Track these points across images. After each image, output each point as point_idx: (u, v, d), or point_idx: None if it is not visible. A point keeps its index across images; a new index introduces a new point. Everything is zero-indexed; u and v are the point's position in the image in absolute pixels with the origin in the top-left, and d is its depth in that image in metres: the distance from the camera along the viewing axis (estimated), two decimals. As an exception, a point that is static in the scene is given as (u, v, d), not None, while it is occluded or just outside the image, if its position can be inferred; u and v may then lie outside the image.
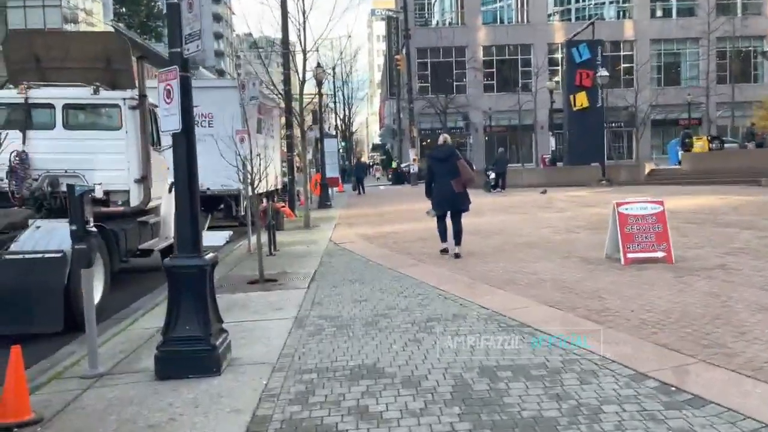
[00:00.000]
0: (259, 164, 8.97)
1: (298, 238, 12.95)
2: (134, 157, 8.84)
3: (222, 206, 14.76)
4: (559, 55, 55.46)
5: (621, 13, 55.44)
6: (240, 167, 9.20)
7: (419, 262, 9.02)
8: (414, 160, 36.40)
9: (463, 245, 9.50)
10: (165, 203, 10.03)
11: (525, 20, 55.29)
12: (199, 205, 4.98)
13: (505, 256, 9.21)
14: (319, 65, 20.16)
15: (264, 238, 9.77)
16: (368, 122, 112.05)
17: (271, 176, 15.30)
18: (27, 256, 6.42)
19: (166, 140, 10.06)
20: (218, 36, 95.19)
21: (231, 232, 14.08)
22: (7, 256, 6.44)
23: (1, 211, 7.33)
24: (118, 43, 9.80)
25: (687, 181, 22.07)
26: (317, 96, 20.90)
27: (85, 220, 4.91)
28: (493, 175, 24.84)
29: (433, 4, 55.48)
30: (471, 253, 9.54)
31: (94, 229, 5.40)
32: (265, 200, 13.07)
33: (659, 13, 55.63)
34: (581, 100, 27.64)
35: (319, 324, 5.79)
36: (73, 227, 4.88)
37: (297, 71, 14.74)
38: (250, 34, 68.66)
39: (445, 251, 9.47)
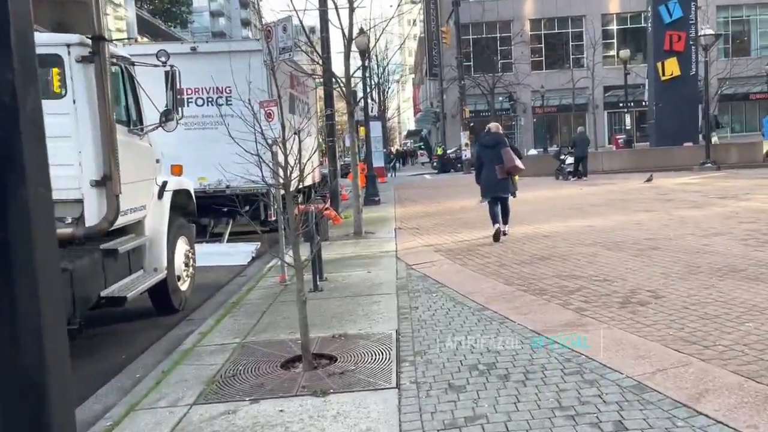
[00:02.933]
0: (294, 150, 5.35)
1: (350, 253, 9.31)
2: (89, 145, 5.33)
3: (247, 208, 11.17)
4: (614, 27, 50.97)
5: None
6: (267, 158, 5.62)
7: (580, 314, 5.22)
8: (466, 144, 32.42)
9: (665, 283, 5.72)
10: (152, 216, 6.49)
11: (575, -11, 50.43)
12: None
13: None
14: (362, 30, 16.39)
15: (304, 253, 6.11)
16: (400, 109, 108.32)
17: (309, 168, 11.64)
18: None
19: (152, 116, 6.55)
20: (246, 23, 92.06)
21: (258, 244, 10.59)
22: None
23: None
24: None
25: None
26: (360, 69, 17.18)
27: None
28: (569, 160, 20.81)
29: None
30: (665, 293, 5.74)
31: None
32: (302, 199, 9.48)
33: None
34: (671, 67, 23.33)
35: None
36: None
37: (342, 28, 11.03)
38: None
39: (497, 236, 9.24)
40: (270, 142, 6.31)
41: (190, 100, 11.56)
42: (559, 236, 9.29)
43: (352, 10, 11.07)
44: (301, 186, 5.80)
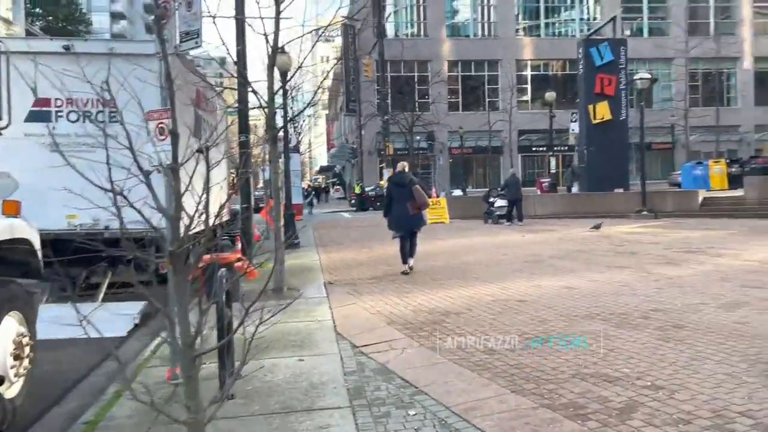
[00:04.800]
0: (197, 185, 3.11)
1: (270, 325, 6.91)
2: None
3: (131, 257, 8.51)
4: (528, 73, 51.81)
5: (587, 30, 51.87)
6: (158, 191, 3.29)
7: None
8: (382, 183, 30.67)
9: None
10: None
11: (492, 34, 51.04)
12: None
13: None
14: (283, 50, 14.24)
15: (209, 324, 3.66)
16: (311, 144, 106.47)
17: (216, 205, 9.19)
18: None
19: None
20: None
21: (144, 305, 8.03)
22: None
23: None
24: None
25: (758, 213, 17.25)
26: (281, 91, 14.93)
27: None
28: (499, 203, 19.38)
29: (392, 14, 50.17)
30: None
31: None
32: (205, 246, 7.03)
33: (627, 32, 52.53)
34: (602, 111, 22.72)
35: None
36: None
37: (266, 34, 8.80)
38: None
39: (406, 273, 9.91)
40: (160, 168, 3.97)
41: (59, 115, 8.89)
42: (539, 303, 7.36)
43: (278, 12, 8.88)
44: (205, 228, 3.53)
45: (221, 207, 4.17)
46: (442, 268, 10.66)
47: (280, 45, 9.78)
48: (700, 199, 19.54)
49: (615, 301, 7.30)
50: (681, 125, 45.14)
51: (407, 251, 10.13)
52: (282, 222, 10.06)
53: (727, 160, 29.06)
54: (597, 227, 15.70)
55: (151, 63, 8.04)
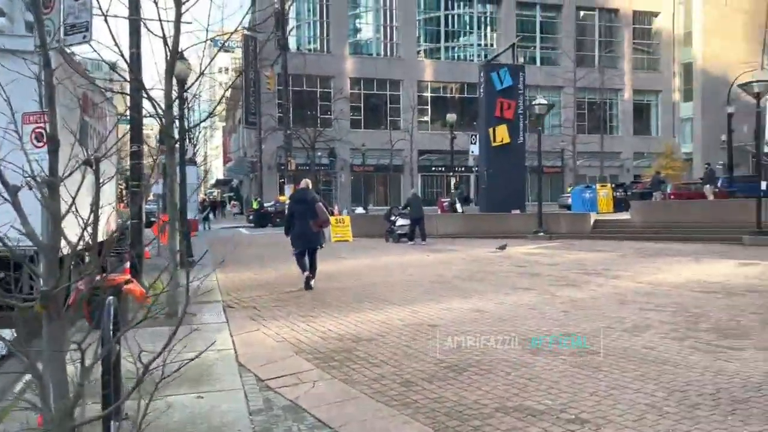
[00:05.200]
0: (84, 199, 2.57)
1: (164, 354, 6.23)
2: None
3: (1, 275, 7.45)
4: (428, 94, 52.99)
5: (484, 56, 53.87)
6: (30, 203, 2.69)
7: None
8: (282, 199, 29.95)
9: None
10: None
11: (395, 54, 51.83)
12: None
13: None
14: (182, 55, 13.45)
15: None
16: (208, 157, 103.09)
17: (103, 220, 8.20)
18: None
19: None
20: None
21: (12, 333, 6.93)
22: None
23: None
24: None
25: (643, 236, 18.32)
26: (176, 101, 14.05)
27: None
28: (401, 222, 19.36)
29: (295, 28, 49.65)
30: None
31: None
32: (86, 265, 6.24)
33: (521, 60, 55.15)
34: (501, 134, 23.39)
35: None
36: None
37: (165, 36, 8.11)
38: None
39: (308, 284, 10.14)
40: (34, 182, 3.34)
41: None
42: (452, 328, 7.17)
43: (179, 15, 8.23)
44: (90, 244, 2.93)
45: (108, 221, 3.55)
46: (350, 289, 10.30)
47: (179, 50, 9.11)
48: (592, 221, 20.51)
49: (525, 325, 7.24)
50: (570, 150, 47.73)
51: (306, 264, 10.34)
52: (177, 239, 9.30)
53: (613, 185, 30.93)
54: (502, 248, 15.99)
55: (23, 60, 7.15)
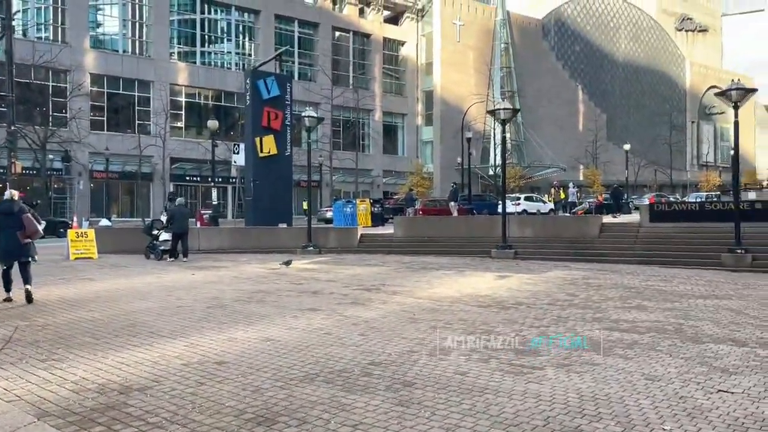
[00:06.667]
0: None
1: None
2: None
3: None
4: (182, 99, 49.84)
5: (242, 65, 52.64)
6: None
7: None
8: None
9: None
10: None
11: (145, 53, 47.82)
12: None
13: None
14: None
15: None
16: None
17: None
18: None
19: None
20: None
21: None
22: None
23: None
24: None
25: (406, 250, 18.94)
26: None
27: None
28: (165, 236, 17.32)
29: (21, 11, 42.67)
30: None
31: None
32: None
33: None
34: (269, 145, 22.43)
35: None
36: None
37: None
38: None
39: (9, 300, 9.74)
40: None
41: None
42: (244, 364, 6.10)
43: None
44: None
45: None
46: (105, 320, 8.48)
47: None
48: (359, 236, 20.73)
49: (327, 354, 6.50)
50: (327, 166, 48.82)
51: (11, 280, 9.91)
52: None
53: (371, 200, 32.13)
54: (287, 263, 15.14)
55: None
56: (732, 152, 75.22)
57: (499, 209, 30.62)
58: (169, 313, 8.98)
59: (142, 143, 41.43)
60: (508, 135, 19.47)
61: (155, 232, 17.56)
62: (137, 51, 47.77)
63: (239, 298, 10.32)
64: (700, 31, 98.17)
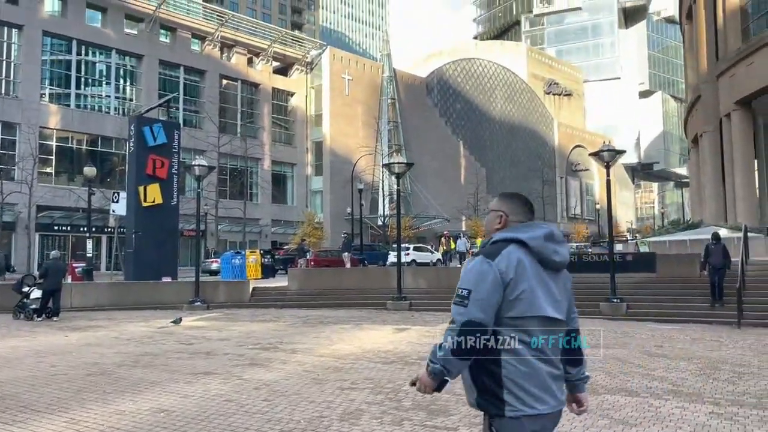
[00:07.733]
0: None
1: None
2: None
3: None
4: (53, 143, 46.68)
5: (123, 110, 50.43)
6: None
7: None
8: None
9: None
10: None
11: (12, 93, 44.54)
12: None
13: None
14: None
15: None
16: None
17: None
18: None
19: None
20: None
21: None
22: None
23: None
24: None
25: (301, 303, 18.46)
26: None
27: None
28: (36, 293, 15.70)
29: None
30: None
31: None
32: None
33: (163, 119, 53.20)
34: (153, 193, 21.28)
35: None
36: None
37: None
38: None
39: None
40: None
41: None
42: (138, 441, 5.51)
43: None
44: None
45: None
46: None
47: None
48: (250, 289, 19.99)
49: (230, 425, 6.04)
50: (212, 215, 47.22)
51: None
52: None
53: (262, 251, 31.30)
54: (177, 322, 14.18)
55: None
56: (597, 206, 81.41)
57: (391, 259, 31.04)
58: (42, 383, 8.02)
59: (5, 189, 38.06)
60: (397, 187, 19.81)
61: (26, 289, 15.90)
62: (2, 91, 44.37)
63: (123, 362, 9.46)
64: (565, 95, 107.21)
